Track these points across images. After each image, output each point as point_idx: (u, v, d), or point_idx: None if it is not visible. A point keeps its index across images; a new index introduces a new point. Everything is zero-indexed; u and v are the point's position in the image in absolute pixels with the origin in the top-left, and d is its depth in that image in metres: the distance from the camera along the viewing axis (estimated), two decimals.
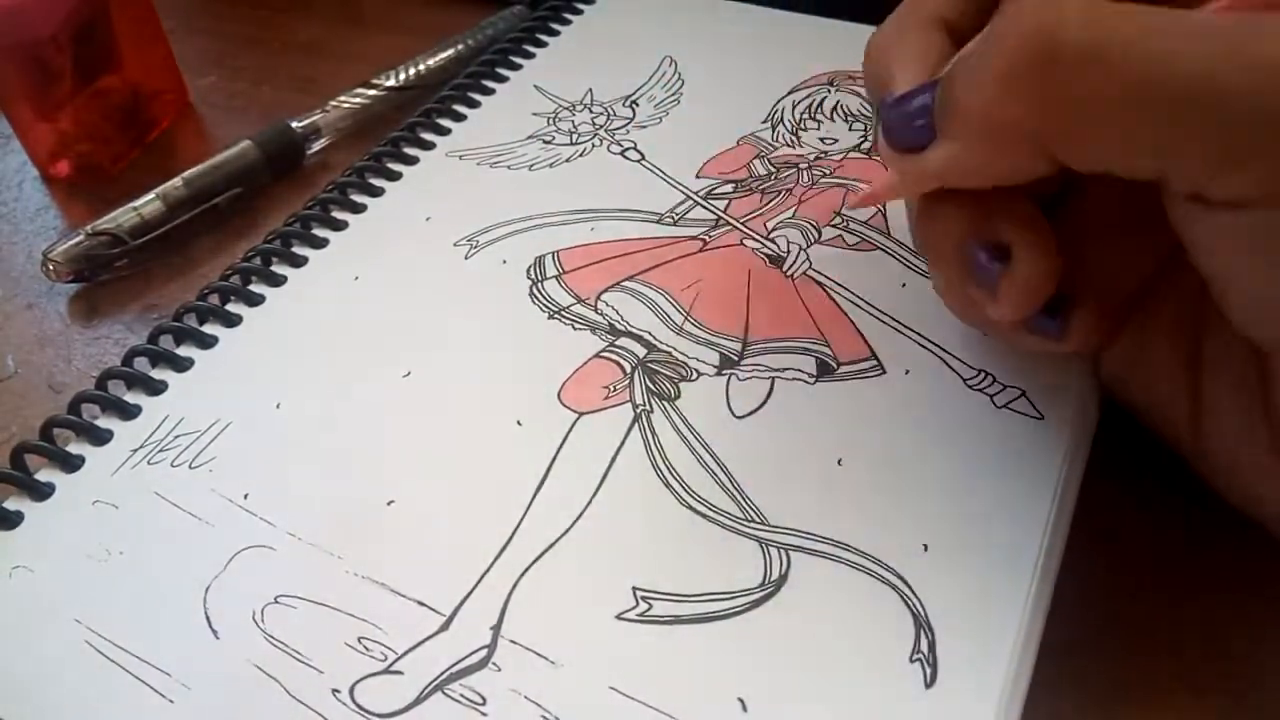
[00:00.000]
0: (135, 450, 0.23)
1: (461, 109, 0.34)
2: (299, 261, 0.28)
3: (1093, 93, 0.16)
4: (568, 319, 0.26)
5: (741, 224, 0.28)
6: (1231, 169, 0.16)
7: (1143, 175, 0.17)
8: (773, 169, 0.30)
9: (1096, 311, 0.20)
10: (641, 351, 0.25)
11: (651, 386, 0.24)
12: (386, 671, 0.19)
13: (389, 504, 0.22)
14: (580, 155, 0.31)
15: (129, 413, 0.24)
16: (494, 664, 0.19)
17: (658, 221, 0.29)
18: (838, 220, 0.28)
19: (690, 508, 0.21)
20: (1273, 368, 0.18)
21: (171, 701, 0.19)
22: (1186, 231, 0.17)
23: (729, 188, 0.30)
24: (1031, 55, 0.16)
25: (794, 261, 0.27)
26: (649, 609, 0.20)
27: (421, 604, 0.20)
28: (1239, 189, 0.16)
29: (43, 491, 0.22)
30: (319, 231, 0.29)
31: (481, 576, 0.20)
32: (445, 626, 0.20)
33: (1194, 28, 0.15)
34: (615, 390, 0.24)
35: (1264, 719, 0.19)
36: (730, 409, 0.23)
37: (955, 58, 0.18)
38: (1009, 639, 0.19)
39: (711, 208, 0.29)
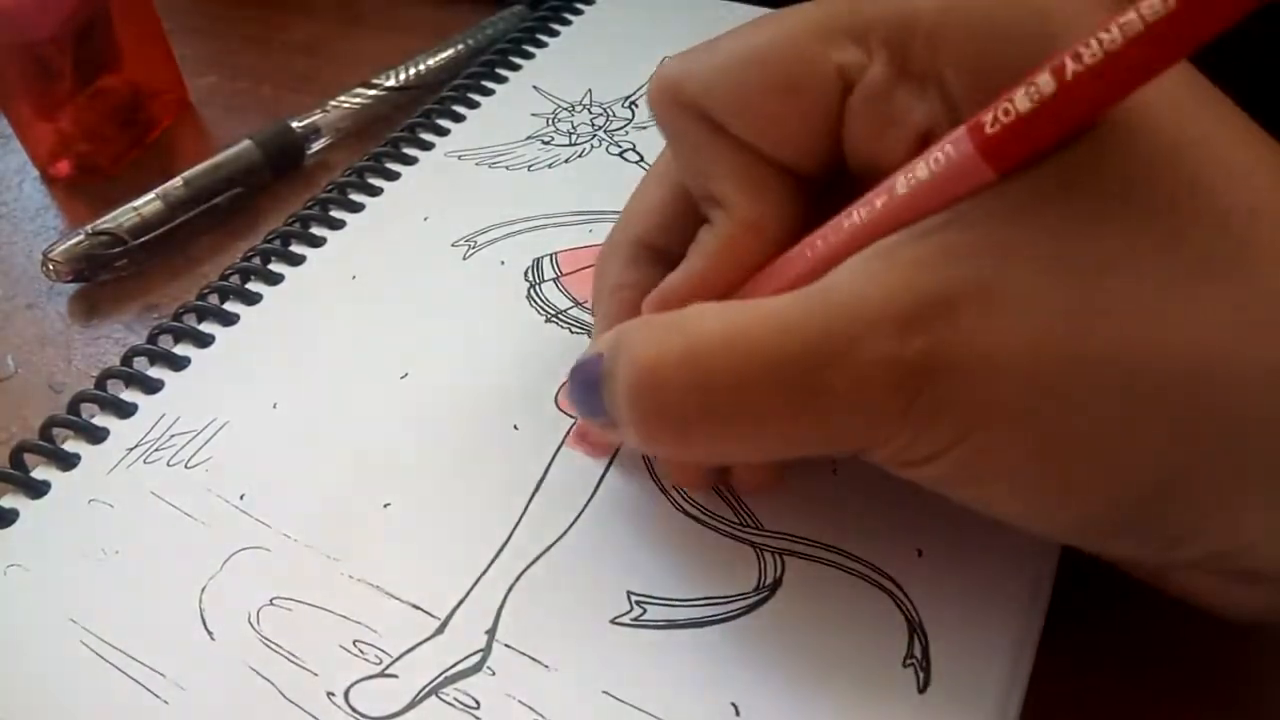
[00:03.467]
0: (131, 449, 0.23)
1: (461, 109, 0.34)
2: (297, 261, 0.28)
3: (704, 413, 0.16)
4: (565, 322, 0.26)
5: None
6: (864, 450, 0.16)
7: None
8: None
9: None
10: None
11: None
12: (381, 674, 0.19)
13: (385, 506, 0.22)
14: (579, 156, 0.31)
15: (125, 411, 0.24)
16: (488, 668, 0.19)
17: None
18: None
19: (685, 512, 0.21)
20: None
21: (166, 702, 0.19)
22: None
23: None
24: (649, 405, 0.17)
25: None
26: (643, 613, 0.20)
27: (416, 607, 0.20)
28: (884, 459, 0.16)
29: (39, 489, 0.23)
30: (317, 231, 0.29)
31: (477, 580, 0.20)
32: (440, 630, 0.20)
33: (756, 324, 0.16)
34: None
35: None
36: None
37: (611, 336, 0.18)
38: (1003, 644, 0.19)
39: None
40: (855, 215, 0.17)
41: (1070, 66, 0.14)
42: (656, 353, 0.17)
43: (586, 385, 0.18)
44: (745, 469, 0.21)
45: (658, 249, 0.21)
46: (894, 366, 0.15)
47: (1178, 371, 0.14)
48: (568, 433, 0.23)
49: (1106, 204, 0.15)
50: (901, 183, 0.16)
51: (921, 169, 0.16)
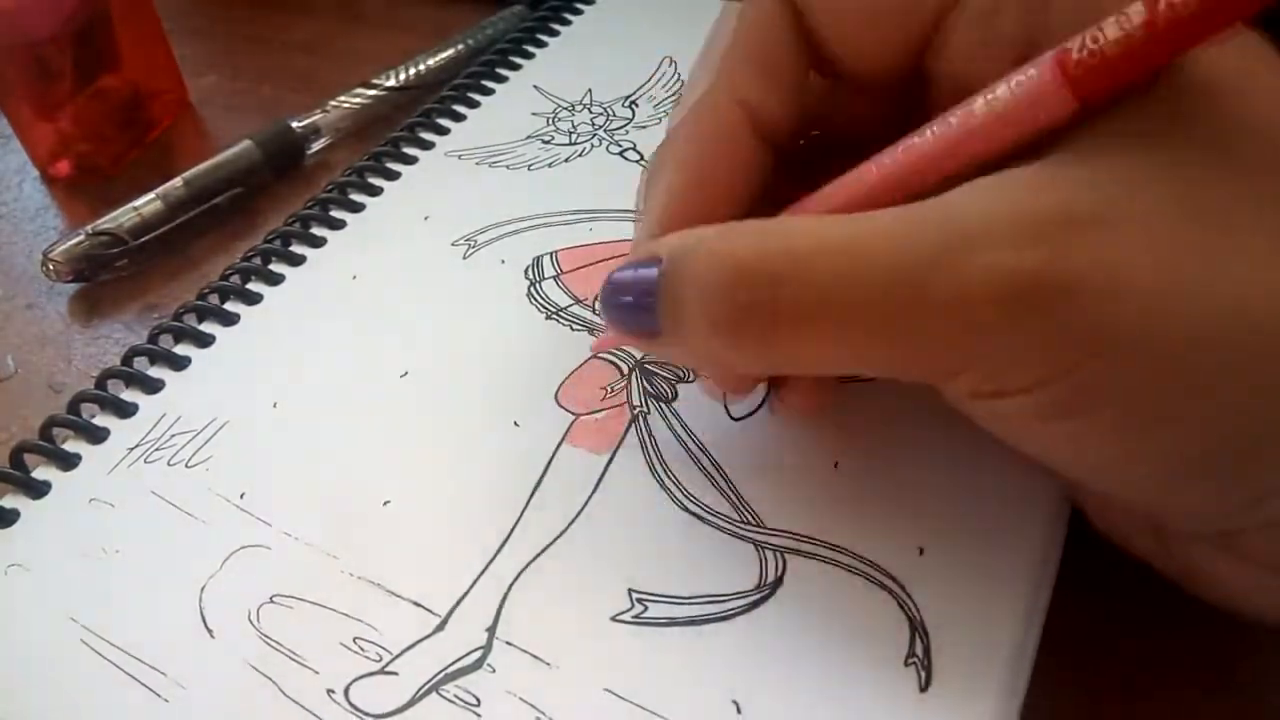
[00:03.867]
0: (132, 449, 0.23)
1: (461, 109, 0.34)
2: (297, 260, 0.28)
3: (796, 323, 0.16)
4: (565, 320, 0.26)
5: None
6: (952, 375, 0.16)
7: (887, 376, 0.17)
8: None
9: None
10: (639, 353, 0.25)
11: (649, 388, 0.24)
12: (382, 672, 0.19)
13: (385, 504, 0.22)
14: (579, 155, 0.31)
15: (126, 411, 0.24)
16: (489, 665, 0.19)
17: None
18: None
19: (686, 510, 0.21)
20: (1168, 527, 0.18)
21: (167, 701, 0.19)
22: (984, 424, 0.17)
23: None
24: (737, 304, 0.16)
25: None
26: (644, 611, 0.20)
27: (417, 604, 0.20)
28: (973, 385, 0.16)
29: (39, 489, 0.23)
30: (317, 231, 0.29)
31: (477, 577, 0.20)
32: (441, 627, 0.20)
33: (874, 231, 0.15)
34: (613, 391, 0.24)
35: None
36: (727, 411, 0.23)
37: (687, 239, 0.17)
38: (1005, 642, 0.19)
39: None
40: (930, 133, 0.16)
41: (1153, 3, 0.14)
42: (753, 249, 0.16)
43: (637, 290, 0.17)
44: (796, 390, 0.20)
45: (754, 106, 0.20)
46: (1006, 276, 0.14)
47: None
48: (567, 430, 0.23)
49: (1217, 151, 0.15)
50: (981, 104, 0.16)
51: (1003, 91, 0.15)
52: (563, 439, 0.23)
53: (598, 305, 0.18)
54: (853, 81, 0.19)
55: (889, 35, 0.18)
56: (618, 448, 0.23)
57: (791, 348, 0.16)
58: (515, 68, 0.35)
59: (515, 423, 0.23)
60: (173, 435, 0.23)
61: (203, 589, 0.20)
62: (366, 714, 0.18)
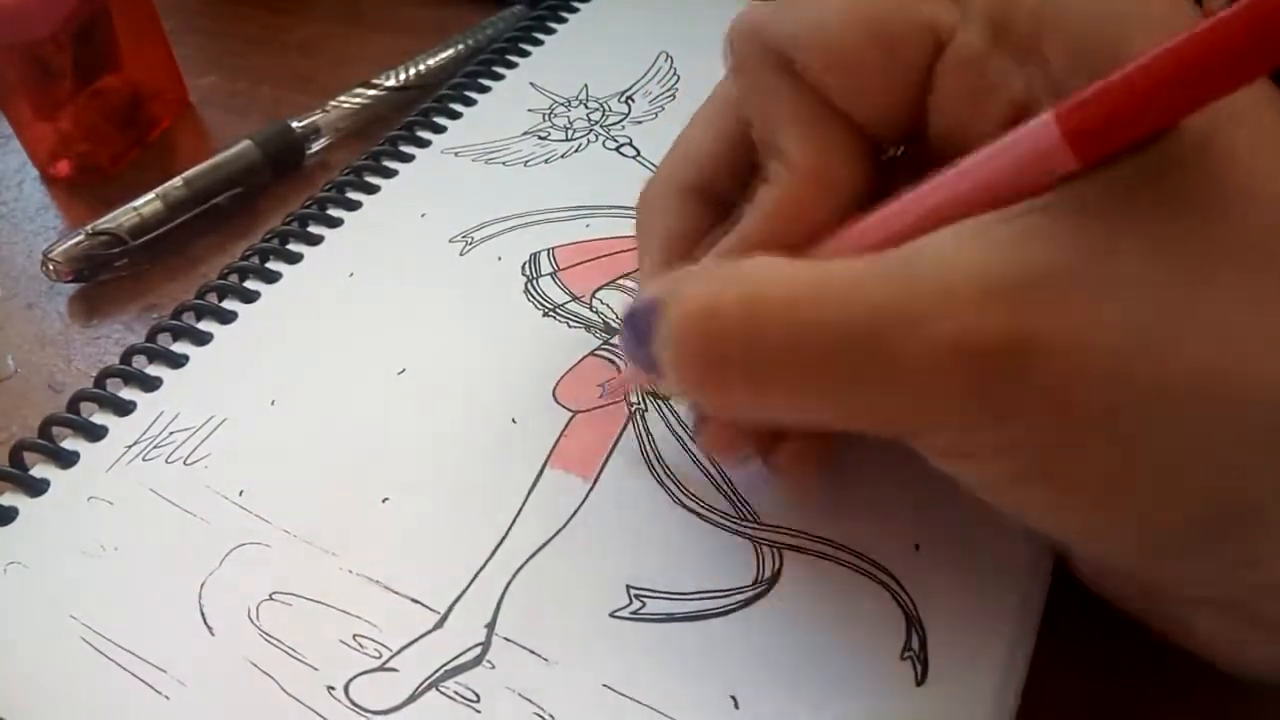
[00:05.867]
0: (130, 446, 0.23)
1: (458, 107, 0.34)
2: (294, 258, 0.28)
3: (768, 371, 0.16)
4: (563, 316, 0.26)
5: None
6: (918, 434, 0.16)
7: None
8: None
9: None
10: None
11: (647, 385, 0.24)
12: (381, 668, 0.19)
13: (384, 501, 0.22)
14: (576, 151, 0.31)
15: (124, 409, 0.24)
16: (488, 661, 0.19)
17: None
18: None
19: (684, 506, 0.21)
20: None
21: (167, 698, 0.19)
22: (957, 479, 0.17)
23: None
24: (696, 350, 0.16)
25: None
26: (642, 607, 0.20)
27: (416, 601, 0.20)
28: (941, 447, 0.16)
29: (38, 487, 0.23)
30: (315, 229, 0.29)
31: (476, 574, 0.20)
32: (440, 624, 0.20)
33: (847, 278, 0.15)
34: (607, 393, 0.24)
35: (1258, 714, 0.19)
36: None
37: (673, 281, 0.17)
38: (1001, 636, 0.19)
39: None
40: (931, 187, 0.16)
41: (1162, 62, 0.13)
42: (710, 297, 0.16)
43: (639, 330, 0.17)
44: (788, 452, 0.20)
45: (708, 194, 0.20)
46: (971, 339, 0.14)
47: (1275, 393, 0.13)
48: (564, 430, 0.23)
49: (1201, 212, 0.14)
50: (982, 158, 0.15)
51: (1004, 147, 0.15)
52: (560, 436, 0.23)
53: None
54: (872, 135, 0.18)
55: (880, 82, 0.17)
56: (615, 445, 0.22)
57: (750, 399, 0.16)
58: (512, 65, 0.35)
59: (513, 419, 0.23)
60: (171, 433, 0.24)
61: (202, 586, 0.20)
62: (366, 710, 0.18)
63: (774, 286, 0.16)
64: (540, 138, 0.32)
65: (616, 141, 0.32)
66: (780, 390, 0.16)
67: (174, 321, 0.26)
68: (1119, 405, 0.14)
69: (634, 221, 0.22)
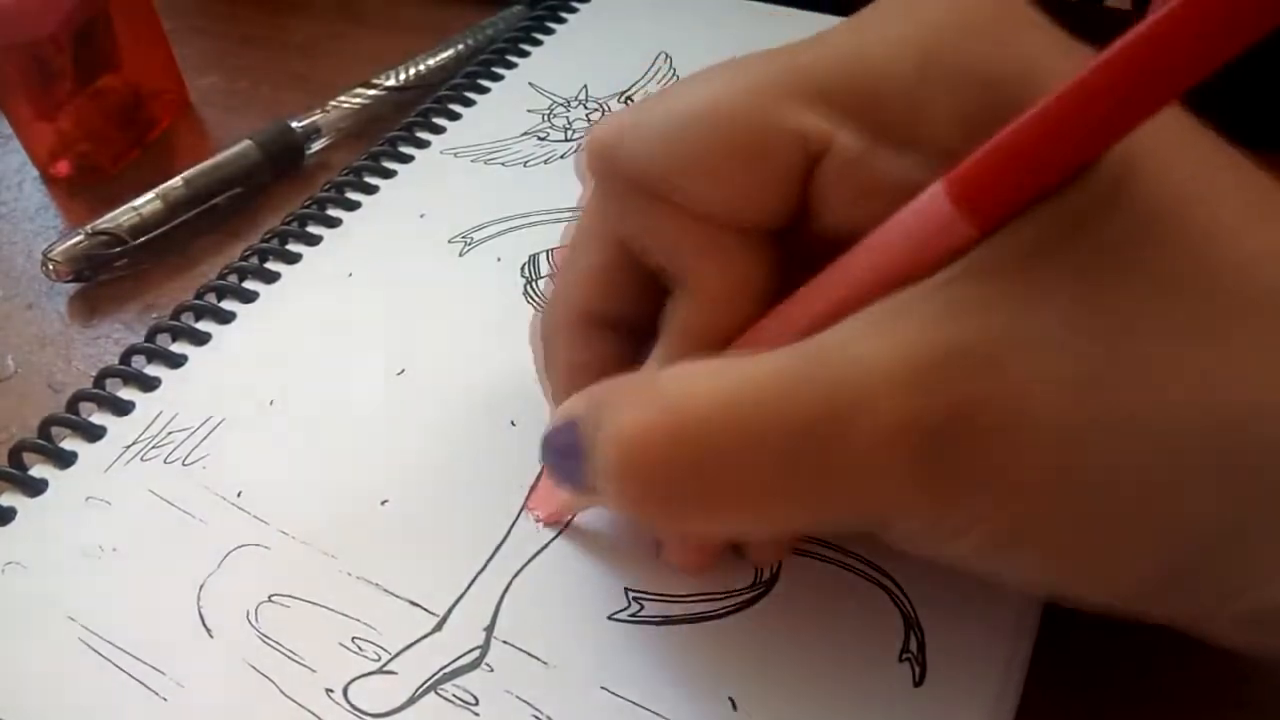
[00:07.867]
0: (128, 447, 0.23)
1: (457, 107, 0.34)
2: (293, 259, 0.28)
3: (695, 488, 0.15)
4: None
5: None
6: (878, 526, 0.15)
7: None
8: None
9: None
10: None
11: None
12: (380, 671, 0.19)
13: (383, 503, 0.22)
14: (575, 152, 0.31)
15: (123, 409, 0.24)
16: (487, 664, 0.19)
17: None
18: None
19: None
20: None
21: (165, 699, 0.19)
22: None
23: None
24: (643, 482, 0.15)
25: None
26: (641, 609, 0.20)
27: (415, 604, 0.20)
28: (903, 534, 0.15)
29: (36, 487, 0.23)
30: (314, 230, 0.29)
31: (475, 577, 0.20)
32: (439, 627, 0.20)
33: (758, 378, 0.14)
34: None
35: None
36: None
37: (593, 402, 0.16)
38: (999, 638, 0.19)
39: None
40: (833, 275, 0.16)
41: (1042, 110, 0.13)
42: (641, 428, 0.15)
43: (565, 455, 0.16)
44: (760, 548, 0.20)
45: (607, 319, 0.19)
46: (912, 429, 0.14)
47: (1218, 428, 0.13)
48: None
49: (1119, 256, 0.14)
50: (880, 240, 0.15)
51: (899, 226, 0.15)
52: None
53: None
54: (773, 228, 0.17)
55: (753, 192, 0.17)
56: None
57: (708, 525, 0.16)
58: (511, 65, 0.35)
59: (512, 421, 0.23)
60: (170, 433, 0.24)
61: (201, 587, 0.20)
62: (365, 713, 0.18)
63: (699, 402, 0.15)
64: (540, 138, 0.32)
65: None
66: (731, 510, 0.15)
67: (173, 321, 0.26)
68: (1069, 465, 0.14)
69: (533, 353, 0.21)
